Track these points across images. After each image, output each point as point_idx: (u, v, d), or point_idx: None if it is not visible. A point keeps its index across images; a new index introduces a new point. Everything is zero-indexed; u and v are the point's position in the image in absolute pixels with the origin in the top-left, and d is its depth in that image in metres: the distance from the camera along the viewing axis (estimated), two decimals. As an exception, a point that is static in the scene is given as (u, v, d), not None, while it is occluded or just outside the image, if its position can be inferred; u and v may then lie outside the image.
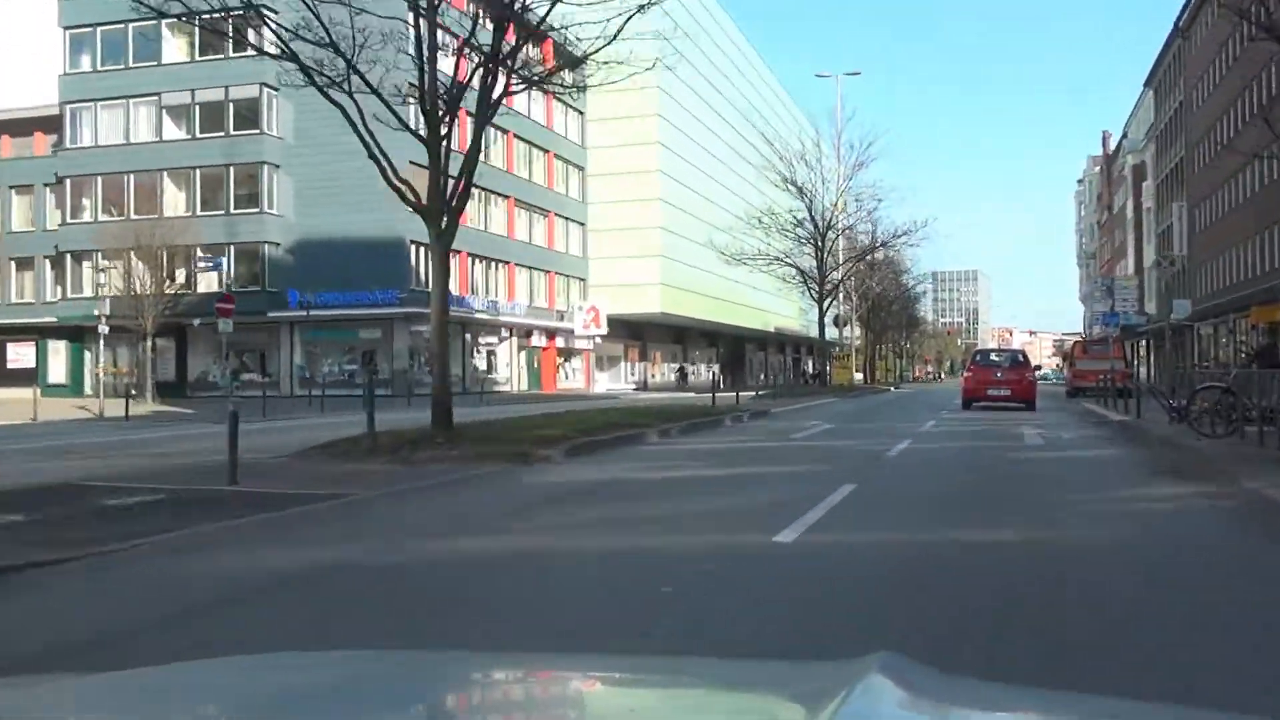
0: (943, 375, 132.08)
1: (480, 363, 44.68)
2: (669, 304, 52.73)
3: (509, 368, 46.83)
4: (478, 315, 42.50)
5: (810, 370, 73.21)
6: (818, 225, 38.22)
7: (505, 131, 45.95)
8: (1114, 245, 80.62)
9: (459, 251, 41.98)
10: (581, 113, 53.47)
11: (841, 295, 48.54)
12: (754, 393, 34.48)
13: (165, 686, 1.60)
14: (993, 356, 28.54)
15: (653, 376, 62.34)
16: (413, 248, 38.93)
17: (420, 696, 1.54)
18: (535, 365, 49.26)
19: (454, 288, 42.26)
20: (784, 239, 39.08)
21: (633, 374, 59.51)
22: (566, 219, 52.74)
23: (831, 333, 52.81)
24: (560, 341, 51.06)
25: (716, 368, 78.63)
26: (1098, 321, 43.96)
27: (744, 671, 1.95)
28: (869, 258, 48.58)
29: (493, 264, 45.75)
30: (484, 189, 43.53)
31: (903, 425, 19.28)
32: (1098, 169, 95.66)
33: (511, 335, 46.59)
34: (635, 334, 59.65)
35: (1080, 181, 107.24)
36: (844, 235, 44.68)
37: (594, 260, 54.06)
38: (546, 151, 50.52)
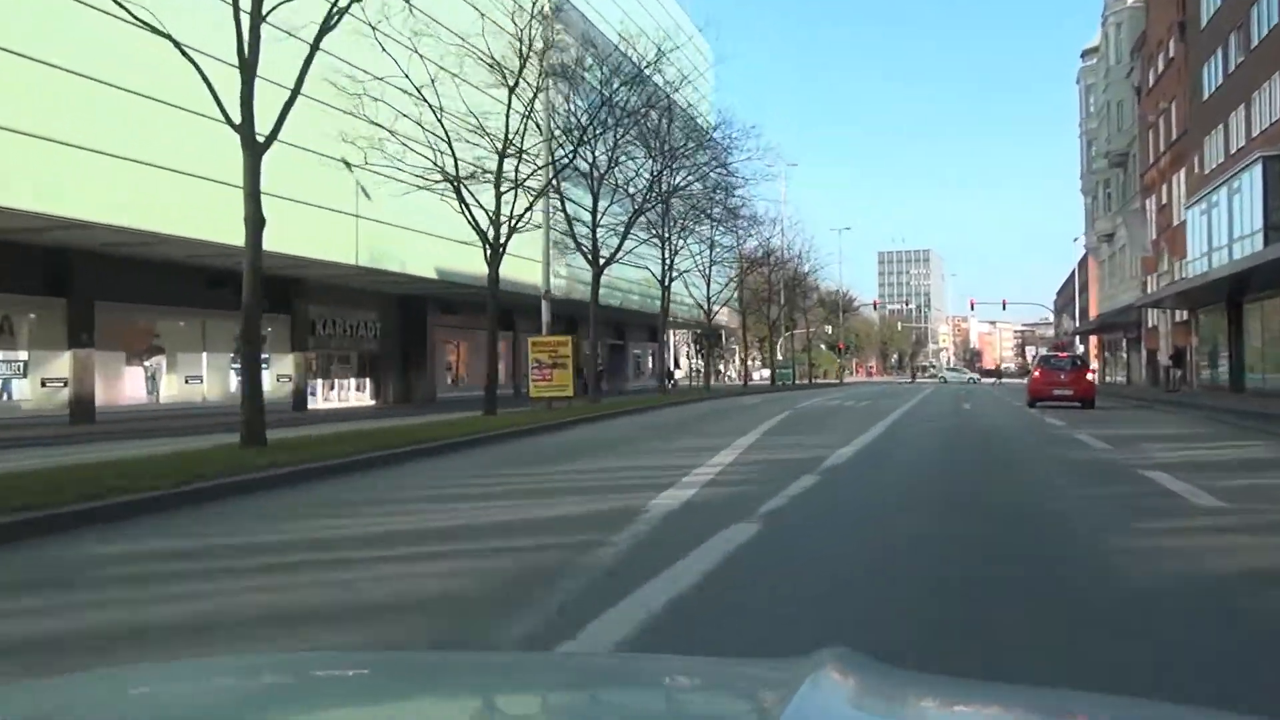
0: (841, 376, 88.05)
1: None
2: None
3: None
4: None
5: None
6: None
7: None
8: (1190, 105, 40.05)
9: None
10: None
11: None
12: None
13: (159, 685, 1.57)
14: (1054, 361, 31.74)
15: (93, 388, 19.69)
16: None
17: (380, 695, 1.55)
18: None
19: None
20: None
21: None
22: None
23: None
24: None
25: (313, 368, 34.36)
26: None
27: (694, 669, 1.86)
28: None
29: None
30: None
31: None
32: None
33: None
34: None
35: (1090, 52, 66.41)
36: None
37: None
38: None
